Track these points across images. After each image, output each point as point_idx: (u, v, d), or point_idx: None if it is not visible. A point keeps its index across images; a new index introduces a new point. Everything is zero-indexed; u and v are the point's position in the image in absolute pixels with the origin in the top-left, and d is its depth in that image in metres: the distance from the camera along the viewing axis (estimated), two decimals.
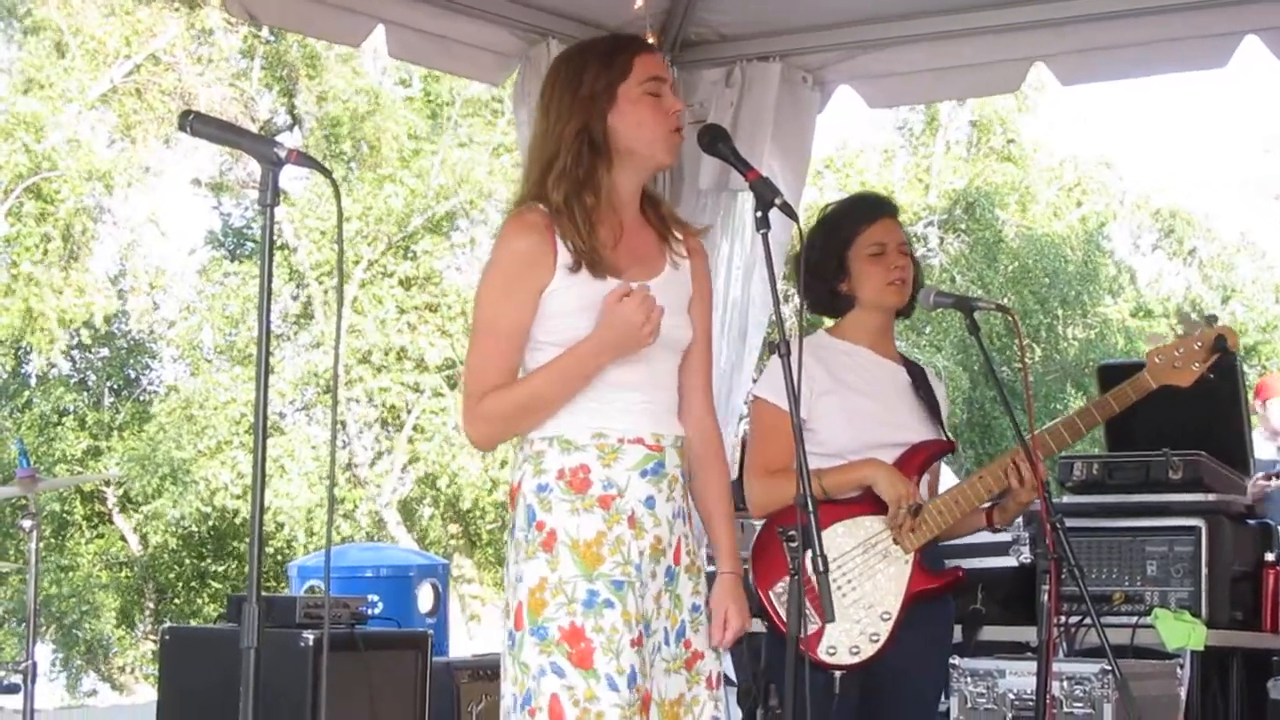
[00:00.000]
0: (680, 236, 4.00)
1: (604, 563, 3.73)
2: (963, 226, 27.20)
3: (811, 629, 4.55)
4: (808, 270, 4.85)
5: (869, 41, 6.98)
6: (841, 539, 4.63)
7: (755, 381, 5.04)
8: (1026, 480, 4.68)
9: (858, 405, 4.73)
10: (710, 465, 4.03)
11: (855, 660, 4.55)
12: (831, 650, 4.57)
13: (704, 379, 4.05)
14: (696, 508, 4.03)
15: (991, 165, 27.65)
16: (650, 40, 6.66)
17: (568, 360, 3.79)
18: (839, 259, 4.78)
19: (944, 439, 4.86)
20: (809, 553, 3.70)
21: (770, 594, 4.65)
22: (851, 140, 27.22)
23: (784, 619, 4.58)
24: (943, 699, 5.23)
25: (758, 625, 4.76)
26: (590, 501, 3.76)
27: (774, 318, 3.86)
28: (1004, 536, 5.77)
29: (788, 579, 4.57)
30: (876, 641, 4.59)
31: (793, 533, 3.77)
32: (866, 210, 4.89)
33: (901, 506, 4.61)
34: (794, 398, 3.78)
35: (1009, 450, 4.78)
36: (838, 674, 4.54)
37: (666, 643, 3.86)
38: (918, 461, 4.74)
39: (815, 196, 21.67)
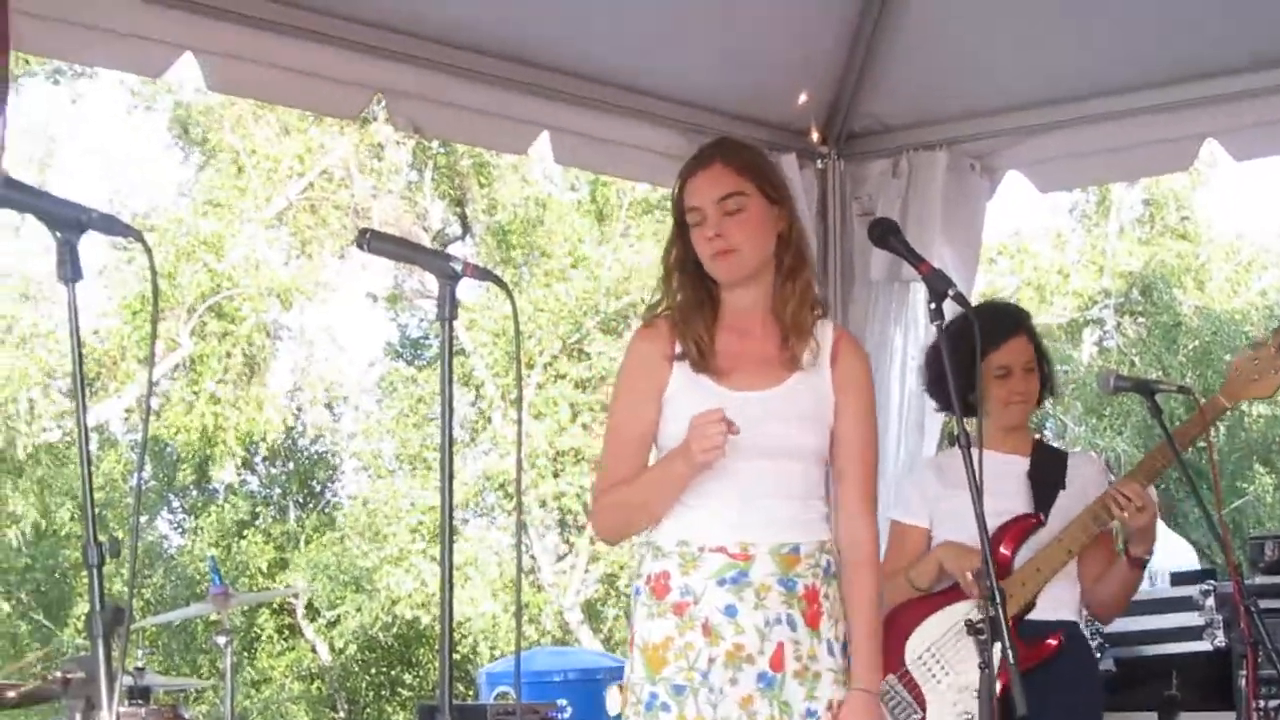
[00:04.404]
0: (798, 341, 4.00)
1: (667, 666, 3.84)
2: (1139, 309, 26.86)
3: None
4: (936, 379, 4.98)
5: (1036, 126, 6.93)
6: (933, 628, 4.72)
7: None
8: (1133, 499, 4.65)
9: (968, 505, 4.71)
10: (855, 571, 4.02)
11: None
12: None
13: (854, 482, 4.04)
14: (845, 613, 4.01)
15: (1166, 243, 27.31)
16: (796, 145, 6.65)
17: (657, 468, 3.93)
18: (966, 375, 4.77)
19: (1031, 512, 4.84)
20: (997, 645, 3.67)
21: None
22: (1024, 226, 27.04)
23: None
24: None
25: None
26: (665, 608, 3.89)
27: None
28: (1197, 620, 5.66)
29: (891, 677, 4.70)
30: None
31: (981, 625, 3.75)
32: (993, 333, 4.84)
33: (967, 575, 4.61)
34: (976, 486, 3.76)
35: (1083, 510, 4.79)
36: None
37: None
38: (1004, 538, 4.76)
39: (988, 284, 21.51)
